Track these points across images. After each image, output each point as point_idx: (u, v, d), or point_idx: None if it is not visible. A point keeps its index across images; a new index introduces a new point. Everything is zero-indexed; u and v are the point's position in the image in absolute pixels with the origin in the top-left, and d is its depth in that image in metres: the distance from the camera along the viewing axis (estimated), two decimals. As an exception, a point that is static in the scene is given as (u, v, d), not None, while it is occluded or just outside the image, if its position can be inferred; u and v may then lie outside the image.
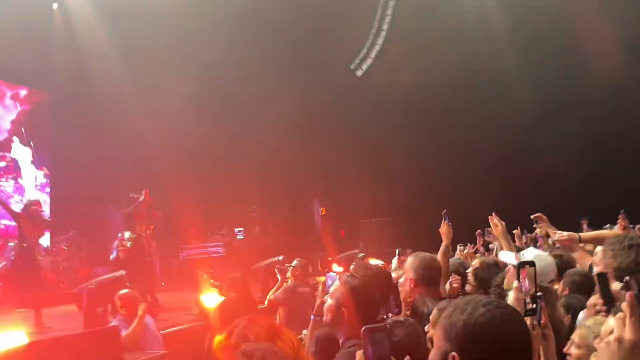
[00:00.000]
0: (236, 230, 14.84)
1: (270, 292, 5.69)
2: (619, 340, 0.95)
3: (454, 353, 1.14)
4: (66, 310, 8.25)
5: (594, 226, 7.66)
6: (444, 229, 3.66)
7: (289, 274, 5.67)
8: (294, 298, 5.38)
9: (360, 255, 8.45)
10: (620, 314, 0.98)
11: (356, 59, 13.28)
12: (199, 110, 13.82)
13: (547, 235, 4.85)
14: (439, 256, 3.30)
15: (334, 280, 2.95)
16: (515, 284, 2.04)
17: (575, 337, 1.84)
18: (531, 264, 2.07)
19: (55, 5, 12.59)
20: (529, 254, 2.62)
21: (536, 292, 2.00)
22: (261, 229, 15.01)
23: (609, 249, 2.50)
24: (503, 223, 3.41)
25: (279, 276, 5.80)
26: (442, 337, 1.19)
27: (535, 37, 12.85)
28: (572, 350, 1.84)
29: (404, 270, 3.30)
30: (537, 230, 4.38)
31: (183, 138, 14.29)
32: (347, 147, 14.26)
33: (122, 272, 5.60)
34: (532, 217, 4.08)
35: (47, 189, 13.74)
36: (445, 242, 3.57)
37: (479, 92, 13.49)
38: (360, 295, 2.29)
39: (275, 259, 8.28)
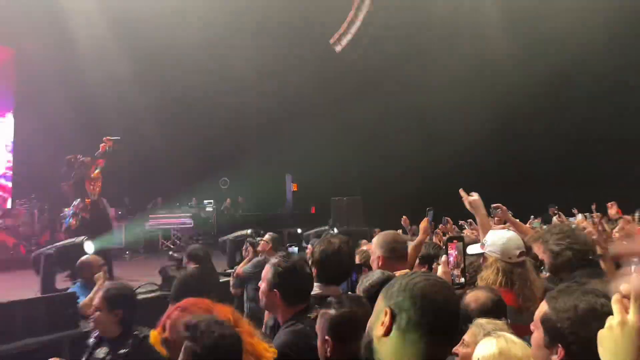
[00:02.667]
0: (205, 202, 14.70)
1: (240, 265, 5.61)
2: (622, 324, 0.94)
3: (386, 308, 1.25)
4: (24, 274, 8.03)
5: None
6: (424, 224, 3.61)
7: (259, 248, 5.59)
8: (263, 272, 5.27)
9: (332, 232, 8.41)
10: (617, 297, 0.96)
11: (336, 34, 13.08)
12: (180, 77, 13.50)
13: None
14: (409, 248, 3.26)
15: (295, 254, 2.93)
16: (443, 257, 2.04)
17: (465, 336, 1.82)
18: (460, 239, 2.08)
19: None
20: (491, 235, 2.61)
21: (465, 266, 2.02)
22: (231, 202, 14.91)
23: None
24: (472, 197, 3.33)
25: (249, 249, 5.71)
26: (381, 300, 1.31)
27: (525, 24, 12.70)
28: (460, 349, 1.81)
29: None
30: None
31: (156, 106, 13.96)
32: (322, 124, 14.16)
33: (84, 237, 5.45)
34: (492, 206, 4.10)
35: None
36: (421, 237, 3.53)
37: (461, 72, 13.37)
38: (287, 278, 2.29)
39: (244, 232, 8.19)
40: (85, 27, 12.34)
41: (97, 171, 7.45)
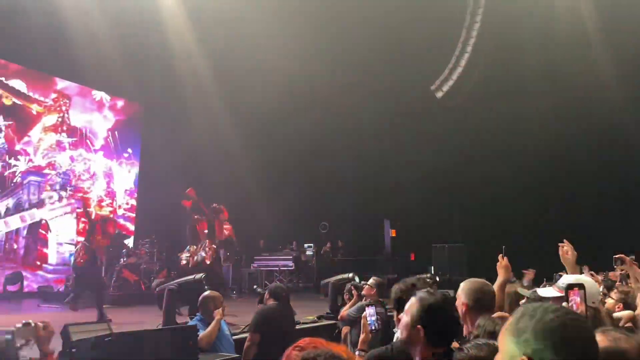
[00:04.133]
0: (305, 245, 15.05)
1: (344, 309, 5.69)
2: None
3: (523, 357, 1.18)
4: (147, 309, 8.75)
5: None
6: (504, 263, 3.54)
7: (364, 292, 5.65)
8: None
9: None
10: None
11: (437, 80, 13.12)
12: (279, 124, 14.29)
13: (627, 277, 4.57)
14: (495, 289, 3.18)
15: (373, 315, 2.89)
16: (563, 304, 1.97)
17: None
18: (580, 286, 2.02)
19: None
20: (568, 279, 2.52)
21: (586, 314, 1.94)
22: (331, 246, 15.12)
23: None
24: (575, 253, 3.28)
25: (354, 293, 5.80)
26: (511, 342, 1.23)
27: (635, 53, 11.93)
28: None
29: None
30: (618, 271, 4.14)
31: (262, 152, 14.83)
32: (422, 168, 14.09)
33: (202, 274, 5.86)
34: (615, 257, 3.90)
35: (135, 195, 14.73)
36: (505, 276, 3.45)
37: (566, 116, 12.82)
38: (435, 316, 2.20)
39: (345, 275, 8.26)
40: (197, 90, 13.63)
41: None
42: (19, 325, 2.24)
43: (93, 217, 8.53)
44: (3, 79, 11.76)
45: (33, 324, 2.25)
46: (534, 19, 12.54)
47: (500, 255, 3.54)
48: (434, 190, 14.19)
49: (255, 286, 7.95)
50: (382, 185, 14.40)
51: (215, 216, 7.86)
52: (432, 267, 12.14)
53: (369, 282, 5.71)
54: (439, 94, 13.05)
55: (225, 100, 14.04)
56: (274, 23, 12.48)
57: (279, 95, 13.50)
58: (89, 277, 8.28)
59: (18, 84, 12.04)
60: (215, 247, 7.74)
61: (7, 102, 11.76)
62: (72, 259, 9.06)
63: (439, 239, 13.83)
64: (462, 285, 2.90)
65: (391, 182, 14.18)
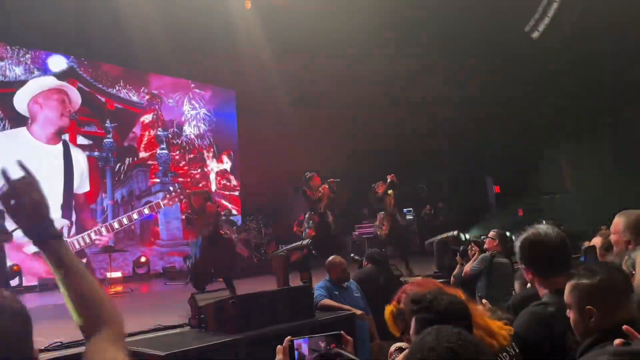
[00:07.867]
0: (405, 210, 14.92)
1: (467, 264, 5.74)
2: None
3: None
4: (258, 279, 9.29)
5: None
6: None
7: (485, 246, 5.66)
8: (492, 268, 5.42)
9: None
10: None
11: (531, 20, 12.11)
12: (370, 91, 14.18)
13: None
14: None
15: None
16: None
17: None
18: None
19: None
20: None
21: None
22: (431, 208, 14.89)
23: None
24: None
25: (474, 249, 5.81)
26: None
27: None
28: None
29: None
30: None
31: (352, 119, 14.85)
32: (523, 118, 13.30)
33: (308, 240, 6.09)
34: None
35: (232, 176, 15.50)
36: None
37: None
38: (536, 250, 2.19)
39: (450, 233, 8.15)
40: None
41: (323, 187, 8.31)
42: None
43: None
44: (107, 88, 12.88)
45: None
46: None
47: None
48: (535, 141, 13.35)
49: (352, 254, 8.19)
50: (480, 141, 13.80)
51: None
52: (544, 220, 11.50)
53: (489, 235, 5.75)
54: (535, 35, 12.03)
55: (312, 72, 14.16)
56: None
57: (365, 61, 13.34)
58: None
59: (119, 90, 13.15)
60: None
61: (111, 108, 12.96)
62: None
63: (547, 191, 13.08)
64: (620, 221, 2.57)
65: (488, 136, 13.54)
